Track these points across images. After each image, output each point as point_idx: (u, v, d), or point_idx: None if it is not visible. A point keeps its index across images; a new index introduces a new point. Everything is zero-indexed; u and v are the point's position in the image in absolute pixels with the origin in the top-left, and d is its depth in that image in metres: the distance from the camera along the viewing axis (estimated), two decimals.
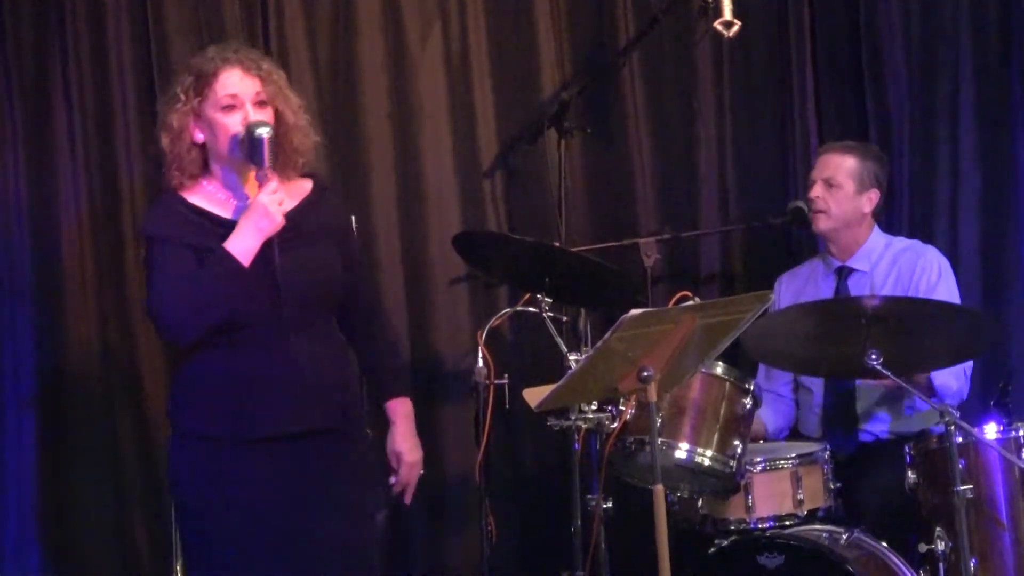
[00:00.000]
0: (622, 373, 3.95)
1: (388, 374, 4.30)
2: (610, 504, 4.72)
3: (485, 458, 5.05)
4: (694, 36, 5.96)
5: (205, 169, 4.04)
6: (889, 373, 4.48)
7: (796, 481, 4.71)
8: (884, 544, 4.64)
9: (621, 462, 4.57)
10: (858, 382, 5.11)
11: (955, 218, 5.87)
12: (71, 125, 5.49)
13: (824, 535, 4.65)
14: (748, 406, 4.59)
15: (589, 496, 4.70)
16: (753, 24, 5.83)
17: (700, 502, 4.78)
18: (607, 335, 3.82)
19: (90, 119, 5.52)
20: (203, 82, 3.96)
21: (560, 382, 4.05)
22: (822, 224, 5.26)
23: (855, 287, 5.21)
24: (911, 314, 4.57)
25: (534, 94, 5.93)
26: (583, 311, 5.12)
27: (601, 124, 5.94)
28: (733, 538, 4.70)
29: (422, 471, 4.30)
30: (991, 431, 4.58)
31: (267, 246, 3.91)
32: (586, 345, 4.90)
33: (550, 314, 4.87)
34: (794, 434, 5.35)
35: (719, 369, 4.55)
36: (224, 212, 4.00)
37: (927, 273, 5.15)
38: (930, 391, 4.94)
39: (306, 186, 4.11)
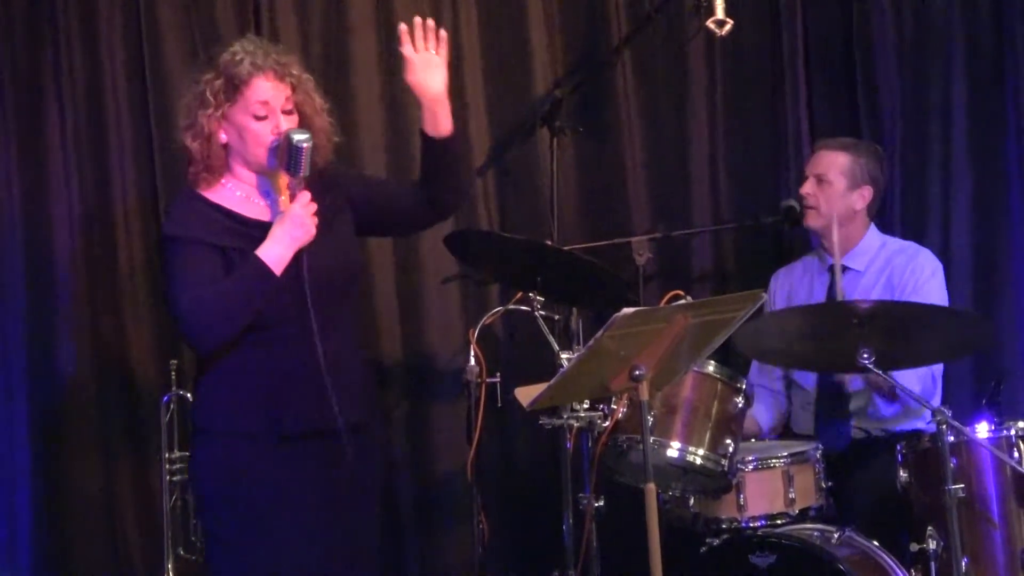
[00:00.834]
0: (614, 372, 3.95)
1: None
2: (602, 503, 4.71)
3: (477, 456, 5.04)
4: (686, 35, 5.97)
5: (227, 168, 4.06)
6: (880, 372, 4.49)
7: (788, 480, 4.72)
8: (875, 543, 4.65)
9: (613, 461, 4.57)
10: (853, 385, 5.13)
11: (947, 217, 5.87)
12: (63, 124, 5.47)
13: (816, 534, 4.66)
14: (740, 405, 4.59)
15: (581, 495, 4.69)
16: (745, 23, 5.83)
17: (692, 501, 4.78)
18: (599, 334, 3.83)
19: (82, 118, 5.50)
20: (234, 87, 3.96)
21: (552, 381, 4.06)
22: (812, 221, 5.27)
23: (848, 286, 5.20)
24: (903, 315, 4.57)
25: (526, 92, 5.92)
26: (575, 310, 5.11)
27: (593, 122, 5.94)
28: (725, 537, 4.70)
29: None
30: (983, 430, 4.58)
31: (296, 252, 3.95)
32: (578, 344, 4.89)
33: (542, 312, 4.87)
34: (786, 432, 5.36)
35: (711, 368, 4.55)
36: (248, 212, 4.02)
37: (917, 274, 5.15)
38: (892, 394, 4.96)
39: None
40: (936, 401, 5.04)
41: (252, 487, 3.95)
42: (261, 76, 3.98)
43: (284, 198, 3.99)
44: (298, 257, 3.95)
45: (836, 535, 4.62)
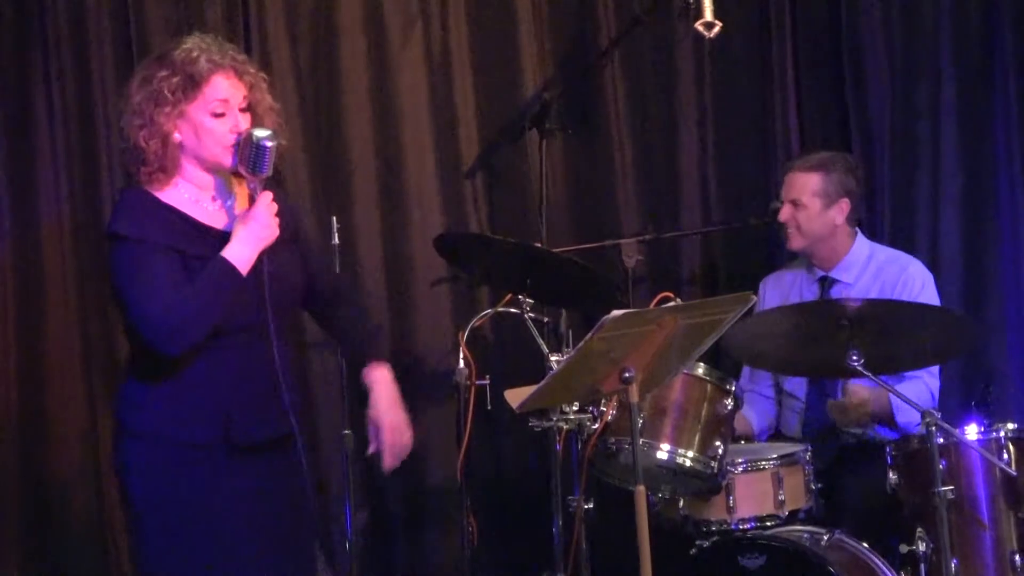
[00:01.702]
0: (604, 374, 3.94)
1: (362, 336, 4.25)
2: (591, 505, 4.71)
3: (466, 459, 5.03)
4: (675, 37, 5.98)
5: (178, 169, 3.92)
6: (870, 374, 4.49)
7: (778, 482, 4.71)
8: (865, 545, 4.65)
9: (602, 463, 4.56)
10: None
11: (936, 219, 5.88)
12: (52, 125, 5.46)
13: (805, 536, 4.66)
14: (729, 407, 4.59)
15: (570, 497, 4.69)
16: (734, 25, 5.81)
17: (681, 503, 4.78)
18: (589, 336, 3.82)
19: (71, 118, 5.49)
20: (192, 84, 3.85)
21: (541, 383, 4.05)
22: (795, 244, 5.26)
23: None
24: (892, 316, 4.58)
25: (515, 94, 5.92)
26: (564, 312, 5.11)
27: (582, 124, 5.94)
28: (714, 539, 4.70)
29: (409, 441, 4.16)
30: (972, 432, 4.58)
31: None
32: (567, 346, 4.90)
33: (531, 315, 4.87)
34: (776, 435, 5.36)
35: (700, 370, 4.55)
36: (201, 217, 3.92)
37: (909, 286, 5.14)
38: (891, 422, 4.97)
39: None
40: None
41: (210, 497, 3.83)
42: (220, 73, 3.88)
43: (242, 199, 3.91)
44: (258, 261, 3.86)
45: (826, 537, 4.62)
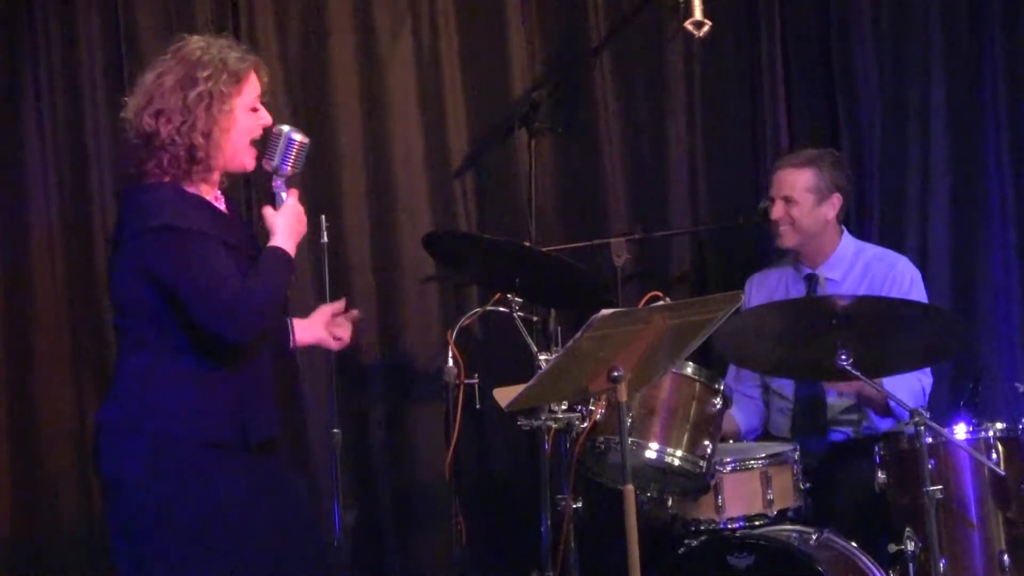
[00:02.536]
0: (592, 373, 3.94)
1: None
2: (580, 504, 4.70)
3: (455, 458, 5.02)
4: (665, 36, 5.99)
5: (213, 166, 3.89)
6: (859, 374, 4.49)
7: (766, 481, 4.71)
8: (854, 544, 4.65)
9: (591, 462, 4.56)
10: (829, 396, 5.13)
11: (925, 219, 5.88)
12: (41, 123, 5.46)
13: (794, 535, 4.66)
14: (718, 406, 4.59)
15: (559, 496, 4.68)
16: (724, 24, 5.82)
17: (670, 502, 4.77)
18: (577, 335, 3.82)
19: (61, 117, 5.49)
20: (235, 80, 3.85)
21: (530, 382, 4.05)
22: (788, 242, 5.26)
23: None
24: (881, 315, 4.58)
25: (505, 93, 5.93)
26: (553, 311, 5.11)
27: (572, 123, 5.94)
28: (703, 538, 4.70)
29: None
30: (961, 431, 4.58)
31: None
32: (556, 345, 4.89)
33: (520, 314, 4.86)
34: (764, 434, 5.36)
35: (689, 369, 4.55)
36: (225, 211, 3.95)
37: (898, 284, 5.15)
38: (886, 409, 4.96)
39: None
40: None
41: (230, 496, 3.78)
42: (255, 69, 3.92)
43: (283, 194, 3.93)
44: None
45: (814, 536, 4.63)
